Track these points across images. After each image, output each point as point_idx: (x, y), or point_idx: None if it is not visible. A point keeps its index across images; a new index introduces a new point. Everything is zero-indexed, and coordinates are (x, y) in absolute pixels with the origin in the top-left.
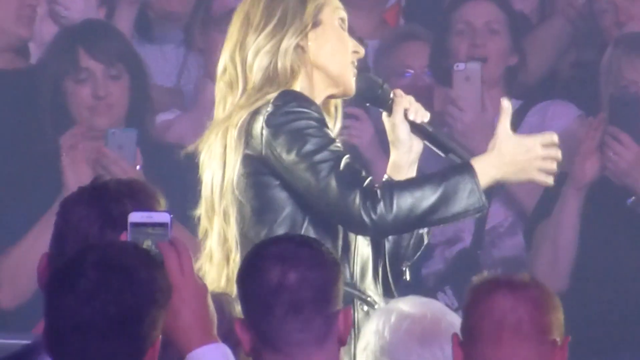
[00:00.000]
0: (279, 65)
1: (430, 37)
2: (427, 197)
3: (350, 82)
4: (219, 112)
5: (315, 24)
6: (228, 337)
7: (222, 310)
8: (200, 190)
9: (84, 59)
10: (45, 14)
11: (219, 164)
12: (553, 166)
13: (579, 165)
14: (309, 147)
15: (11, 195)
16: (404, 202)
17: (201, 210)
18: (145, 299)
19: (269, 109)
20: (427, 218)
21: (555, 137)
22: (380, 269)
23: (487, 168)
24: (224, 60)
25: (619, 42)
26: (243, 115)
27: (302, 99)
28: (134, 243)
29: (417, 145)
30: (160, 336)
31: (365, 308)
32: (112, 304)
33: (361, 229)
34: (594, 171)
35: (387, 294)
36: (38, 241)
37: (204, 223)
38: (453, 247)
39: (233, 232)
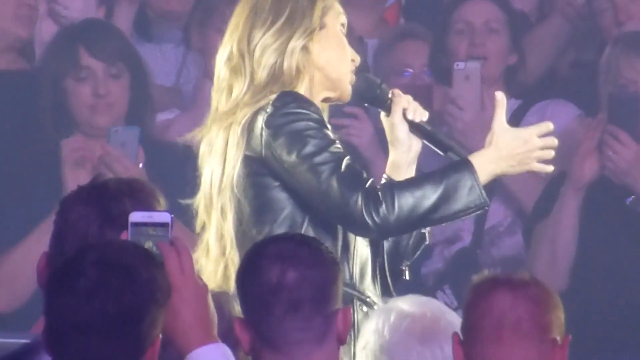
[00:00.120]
0: (285, 64)
1: (430, 36)
2: (428, 197)
3: (348, 87)
4: (221, 101)
5: (320, 26)
6: (227, 336)
7: (221, 310)
8: (197, 181)
9: (84, 57)
10: (45, 13)
11: (219, 160)
12: (551, 154)
13: (577, 165)
14: (309, 148)
15: (11, 196)
16: (405, 202)
17: (200, 204)
18: (145, 298)
19: (269, 110)
20: (428, 217)
21: (550, 126)
22: (378, 269)
23: (486, 164)
24: (230, 47)
25: (618, 41)
26: (247, 113)
27: (301, 100)
28: (134, 242)
29: (416, 144)
30: (160, 336)
31: (365, 309)
32: (111, 303)
33: (364, 231)
34: (593, 171)
35: (386, 293)
36: (36, 245)
37: (202, 216)
38: (452, 246)
39: (229, 229)
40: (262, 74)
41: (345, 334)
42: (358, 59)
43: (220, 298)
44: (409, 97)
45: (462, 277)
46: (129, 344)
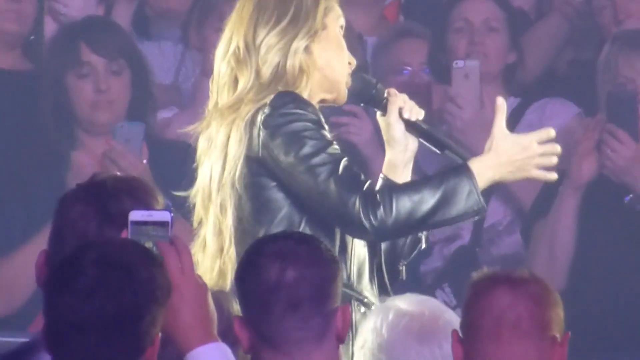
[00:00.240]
0: (288, 64)
1: (428, 35)
2: (426, 201)
3: (344, 89)
4: (222, 96)
5: (322, 27)
6: (226, 335)
7: (220, 308)
8: (194, 176)
9: (86, 53)
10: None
11: (219, 155)
12: (552, 161)
13: (576, 165)
14: (306, 149)
15: (12, 196)
16: (404, 206)
17: (197, 199)
18: (145, 296)
19: (266, 110)
20: (426, 221)
21: (551, 132)
22: (375, 269)
23: (485, 169)
24: (236, 42)
25: (616, 39)
26: (251, 110)
27: (299, 101)
28: (133, 241)
29: (412, 143)
30: (160, 335)
31: (363, 309)
32: (111, 302)
33: (361, 233)
34: (592, 171)
35: (383, 293)
36: (37, 251)
37: (199, 211)
38: (451, 244)
39: (228, 225)
40: (266, 72)
41: (344, 333)
42: (354, 62)
43: (219, 297)
44: (404, 96)
45: (461, 275)
46: (128, 343)
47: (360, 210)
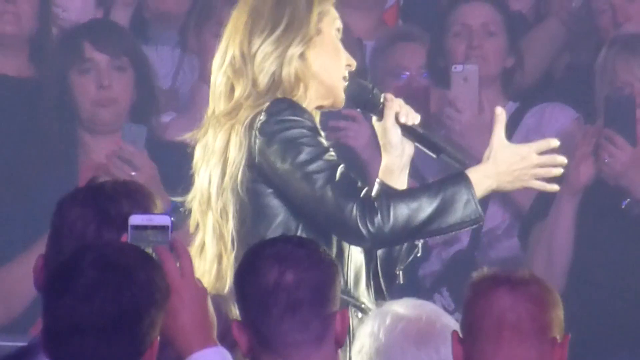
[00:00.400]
0: (284, 72)
1: (426, 38)
2: (424, 209)
3: (341, 94)
4: (219, 105)
5: (316, 32)
6: (224, 338)
7: (219, 312)
8: (191, 181)
9: (89, 50)
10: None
11: (218, 160)
12: (550, 172)
13: (573, 170)
14: (303, 156)
15: (12, 195)
16: (401, 213)
17: (193, 204)
18: (144, 299)
19: (262, 117)
20: (423, 229)
21: (552, 142)
22: (372, 274)
23: (483, 179)
24: (232, 51)
25: (614, 43)
26: (250, 115)
27: (295, 107)
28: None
29: (408, 148)
30: (158, 337)
31: (360, 315)
32: (110, 304)
33: (358, 240)
34: (589, 175)
35: (380, 298)
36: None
37: (195, 216)
38: (450, 248)
39: (230, 230)
40: (262, 81)
41: (343, 336)
42: (354, 64)
43: (217, 300)
44: (400, 101)
45: (460, 279)
46: (127, 345)
47: (358, 217)
